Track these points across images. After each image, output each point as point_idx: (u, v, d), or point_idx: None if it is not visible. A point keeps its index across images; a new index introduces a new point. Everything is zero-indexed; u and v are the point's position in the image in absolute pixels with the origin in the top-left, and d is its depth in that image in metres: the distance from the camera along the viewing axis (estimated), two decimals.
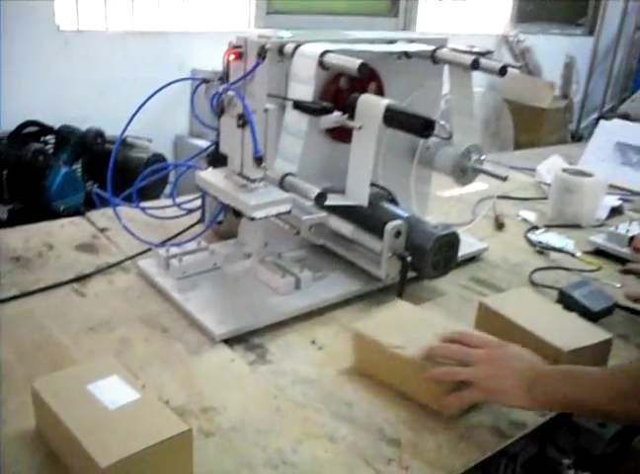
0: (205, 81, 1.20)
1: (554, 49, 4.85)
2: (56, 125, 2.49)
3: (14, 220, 2.30)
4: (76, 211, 2.33)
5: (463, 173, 1.30)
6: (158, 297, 1.11)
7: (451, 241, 1.15)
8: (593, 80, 5.37)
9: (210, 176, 1.03)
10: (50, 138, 2.50)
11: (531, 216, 1.61)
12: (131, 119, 1.07)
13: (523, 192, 1.81)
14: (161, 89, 1.10)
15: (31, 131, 2.43)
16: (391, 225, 1.09)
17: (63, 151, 2.46)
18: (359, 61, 0.99)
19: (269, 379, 0.93)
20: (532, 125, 4.07)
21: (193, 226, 1.30)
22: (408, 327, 0.95)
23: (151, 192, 2.83)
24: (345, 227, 1.17)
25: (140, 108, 1.06)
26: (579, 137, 4.97)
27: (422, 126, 1.04)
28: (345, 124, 1.03)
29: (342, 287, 1.15)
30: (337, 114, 1.02)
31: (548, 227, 1.54)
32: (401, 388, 0.90)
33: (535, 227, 1.54)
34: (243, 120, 0.95)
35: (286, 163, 1.05)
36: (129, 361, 0.92)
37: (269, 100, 1.00)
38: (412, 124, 1.05)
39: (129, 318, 1.04)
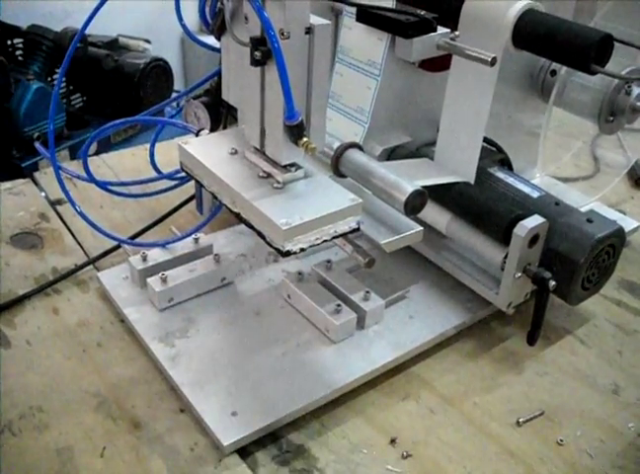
0: None
1: None
2: (24, 26, 1.96)
3: None
4: (57, 138, 1.85)
5: (614, 115, 0.81)
6: (130, 346, 0.67)
7: (614, 244, 0.68)
8: None
9: (204, 152, 0.56)
10: (19, 43, 1.97)
11: None
12: (98, 9, 0.59)
13: None
14: None
15: None
16: (525, 227, 0.62)
17: (34, 60, 1.94)
18: None
19: None
20: None
21: (187, 202, 0.84)
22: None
23: (152, 99, 2.32)
24: (436, 216, 0.71)
25: None
26: None
27: (595, 50, 0.56)
28: (461, 53, 0.53)
29: (433, 322, 0.69)
30: (443, 32, 0.53)
31: None
32: None
33: None
34: (264, 52, 0.47)
35: (346, 123, 0.57)
36: None
37: (313, 7, 0.49)
38: (575, 48, 0.57)
39: (76, 398, 0.61)
